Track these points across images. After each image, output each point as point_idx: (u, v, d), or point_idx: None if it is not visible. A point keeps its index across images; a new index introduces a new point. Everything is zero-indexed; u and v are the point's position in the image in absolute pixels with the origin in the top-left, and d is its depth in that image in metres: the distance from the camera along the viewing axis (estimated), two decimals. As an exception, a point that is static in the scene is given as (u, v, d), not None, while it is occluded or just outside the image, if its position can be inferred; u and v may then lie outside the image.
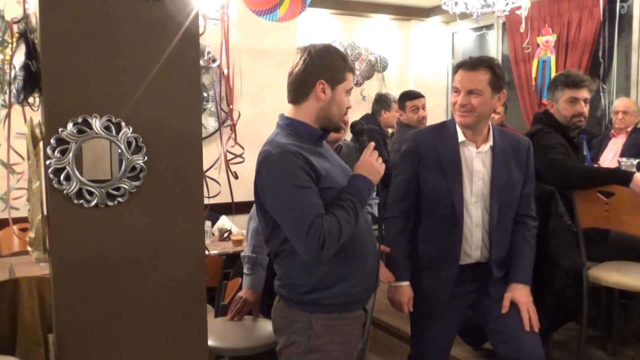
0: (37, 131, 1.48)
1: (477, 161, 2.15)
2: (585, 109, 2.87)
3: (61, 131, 1.37)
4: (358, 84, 6.49)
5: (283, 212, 1.71)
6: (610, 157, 4.50)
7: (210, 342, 2.11)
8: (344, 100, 1.83)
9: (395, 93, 5.62)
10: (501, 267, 2.22)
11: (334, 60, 1.80)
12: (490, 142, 2.17)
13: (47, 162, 1.38)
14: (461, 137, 2.16)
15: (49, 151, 1.37)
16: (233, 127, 3.16)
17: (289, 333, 1.83)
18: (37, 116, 1.59)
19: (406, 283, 2.17)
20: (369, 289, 1.86)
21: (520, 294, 2.15)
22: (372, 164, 1.80)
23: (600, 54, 5.13)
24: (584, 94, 2.84)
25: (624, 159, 3.49)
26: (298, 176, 1.67)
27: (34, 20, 1.56)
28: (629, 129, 4.52)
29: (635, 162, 3.38)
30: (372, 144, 1.84)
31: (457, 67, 2.18)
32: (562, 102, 2.86)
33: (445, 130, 2.21)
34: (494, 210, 2.13)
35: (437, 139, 2.19)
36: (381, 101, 5.25)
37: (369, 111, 5.49)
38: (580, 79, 2.85)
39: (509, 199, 2.17)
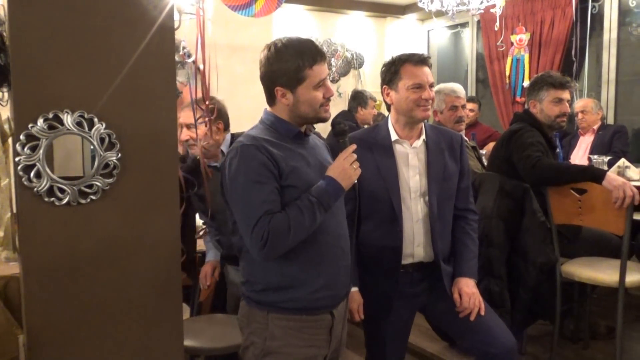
0: (6, 127, 1.44)
1: (412, 156, 2.17)
2: (569, 109, 2.93)
3: (31, 127, 1.34)
4: (334, 81, 6.49)
5: (236, 204, 1.68)
6: (580, 155, 4.60)
7: (185, 342, 2.08)
8: (314, 96, 1.71)
9: (371, 90, 5.63)
10: (448, 262, 2.20)
11: (286, 63, 1.68)
12: (423, 137, 2.19)
13: (17, 159, 1.34)
14: (394, 136, 2.18)
15: (18, 147, 1.33)
16: (209, 124, 3.10)
17: (248, 333, 1.77)
18: (6, 111, 1.54)
19: (355, 289, 2.13)
20: (336, 296, 1.77)
21: (464, 284, 2.13)
22: (344, 168, 1.70)
23: (573, 52, 5.22)
24: (567, 95, 2.91)
25: (595, 157, 3.56)
26: (256, 170, 1.63)
27: (2, 12, 1.51)
28: (595, 127, 4.62)
29: (606, 159, 3.45)
30: (353, 147, 1.74)
31: (416, 62, 2.14)
32: (546, 102, 2.91)
33: (378, 131, 2.23)
34: (433, 202, 2.13)
35: (372, 140, 2.20)
36: (357, 98, 5.26)
37: (346, 108, 5.51)
38: (565, 80, 2.92)
39: (447, 191, 2.18)
